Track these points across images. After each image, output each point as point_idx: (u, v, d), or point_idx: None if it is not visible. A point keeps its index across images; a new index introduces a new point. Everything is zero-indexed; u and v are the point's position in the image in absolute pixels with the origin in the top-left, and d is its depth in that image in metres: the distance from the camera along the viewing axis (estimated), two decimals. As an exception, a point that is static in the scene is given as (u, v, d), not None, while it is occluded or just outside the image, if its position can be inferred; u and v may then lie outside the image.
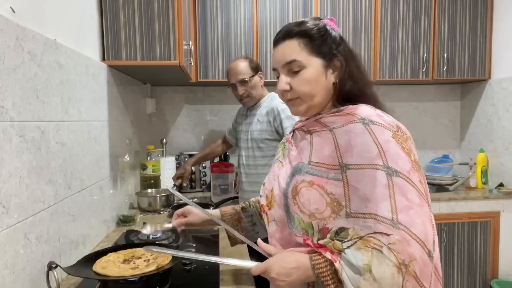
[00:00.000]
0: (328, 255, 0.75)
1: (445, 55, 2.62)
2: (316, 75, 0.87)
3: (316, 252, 0.78)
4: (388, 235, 0.69)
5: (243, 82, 1.91)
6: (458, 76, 2.65)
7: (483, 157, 2.60)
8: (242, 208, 1.16)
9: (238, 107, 2.20)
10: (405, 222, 0.69)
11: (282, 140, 1.05)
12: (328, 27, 0.90)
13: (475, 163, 2.60)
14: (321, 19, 0.92)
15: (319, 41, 0.88)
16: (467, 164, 2.69)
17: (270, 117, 1.87)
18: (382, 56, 2.57)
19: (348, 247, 0.73)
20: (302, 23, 0.90)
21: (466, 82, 2.92)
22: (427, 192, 0.77)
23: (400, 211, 0.70)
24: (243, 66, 1.92)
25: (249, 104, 1.98)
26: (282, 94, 0.91)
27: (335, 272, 0.73)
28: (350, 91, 0.89)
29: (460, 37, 2.63)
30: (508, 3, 2.54)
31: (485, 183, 2.59)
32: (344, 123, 0.83)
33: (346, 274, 0.70)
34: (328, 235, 0.78)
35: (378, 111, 0.84)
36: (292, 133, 1.00)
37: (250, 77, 1.91)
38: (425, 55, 2.60)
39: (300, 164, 0.87)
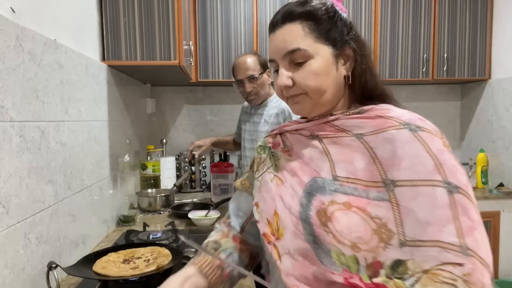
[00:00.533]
0: None
1: (445, 55, 2.62)
2: (325, 66, 0.71)
3: None
4: (460, 265, 0.56)
5: (252, 78, 1.81)
6: (458, 76, 2.65)
7: (483, 157, 2.61)
8: (215, 249, 0.84)
9: (239, 107, 2.20)
10: (472, 246, 0.57)
11: (261, 144, 0.86)
12: (336, 8, 0.74)
13: (475, 163, 2.60)
14: None
15: (328, 24, 0.72)
16: (467, 164, 2.69)
17: (280, 118, 1.78)
18: (382, 56, 2.57)
19: (412, 285, 0.57)
20: (305, 2, 0.73)
21: (466, 82, 2.92)
22: None
23: (466, 234, 0.58)
24: (252, 62, 1.81)
25: (255, 103, 1.90)
26: (283, 91, 0.75)
27: None
28: (371, 86, 0.75)
29: (460, 37, 2.63)
30: (508, 3, 2.54)
31: (485, 183, 2.59)
32: (378, 128, 0.67)
33: None
34: (382, 271, 0.60)
35: (416, 114, 0.69)
36: (278, 136, 0.83)
37: (260, 74, 1.81)
38: (425, 55, 2.60)
39: (318, 180, 0.69)
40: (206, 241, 0.87)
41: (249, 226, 0.86)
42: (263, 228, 0.75)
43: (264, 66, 1.85)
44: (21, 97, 0.93)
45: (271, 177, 0.78)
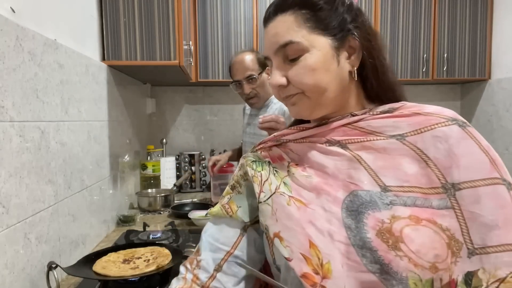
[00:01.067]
0: None
1: (445, 55, 2.62)
2: (323, 60, 0.61)
3: None
4: None
5: (251, 79, 1.69)
6: (458, 76, 2.65)
7: (483, 157, 2.60)
8: None
9: (239, 107, 2.19)
10: None
11: (254, 159, 0.71)
12: None
13: (475, 163, 2.60)
14: None
15: (326, 11, 0.62)
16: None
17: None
18: (382, 56, 2.57)
19: None
20: None
21: (466, 82, 2.92)
22: None
23: None
24: (250, 61, 1.69)
25: (256, 105, 1.79)
26: (278, 91, 0.66)
27: None
28: (387, 83, 0.66)
29: (460, 37, 2.63)
30: (508, 3, 2.54)
31: (485, 183, 2.58)
32: (421, 126, 0.59)
33: None
34: None
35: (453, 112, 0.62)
36: (275, 148, 0.72)
37: (259, 73, 1.69)
38: (425, 55, 2.60)
39: (361, 193, 0.58)
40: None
41: (228, 264, 0.67)
42: (300, 267, 0.56)
43: (263, 64, 1.73)
44: (21, 97, 0.93)
45: (286, 200, 0.62)
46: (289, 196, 0.63)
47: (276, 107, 1.74)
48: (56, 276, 0.95)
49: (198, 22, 2.42)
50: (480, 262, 0.51)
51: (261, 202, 0.65)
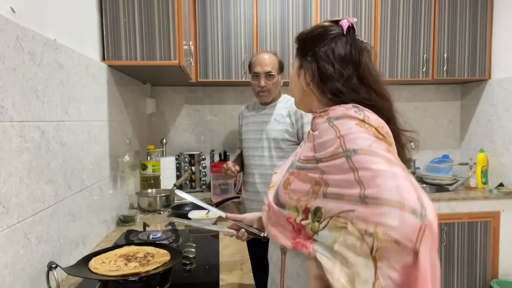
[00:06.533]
0: (304, 252, 0.80)
1: (445, 55, 2.62)
2: (293, 75, 0.98)
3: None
4: (352, 211, 0.71)
5: (269, 75, 1.90)
6: (458, 76, 2.65)
7: (483, 157, 2.60)
8: None
9: (239, 107, 2.19)
10: (372, 194, 0.69)
11: None
12: (329, 30, 0.92)
13: (475, 163, 2.60)
14: (338, 21, 0.93)
15: (304, 43, 0.96)
16: (467, 164, 2.69)
17: (292, 118, 1.88)
18: (382, 56, 2.57)
19: (323, 228, 0.77)
20: (306, 31, 0.97)
21: (466, 82, 2.92)
22: (399, 160, 0.78)
23: (367, 185, 0.70)
24: (273, 60, 1.93)
25: (265, 99, 1.97)
26: None
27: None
28: (325, 92, 0.90)
29: (460, 37, 2.63)
30: (508, 3, 2.54)
31: (485, 183, 2.58)
32: (321, 122, 0.87)
33: (324, 262, 0.74)
34: (310, 215, 0.81)
35: (353, 112, 0.83)
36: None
37: (277, 73, 1.92)
38: (425, 55, 2.60)
39: (294, 159, 0.93)
40: None
41: None
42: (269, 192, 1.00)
43: (281, 68, 1.96)
44: (21, 97, 0.93)
45: (292, 155, 1.01)
46: (293, 155, 0.99)
47: (284, 106, 1.94)
48: (56, 276, 0.96)
49: (198, 22, 2.42)
50: (326, 203, 0.78)
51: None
